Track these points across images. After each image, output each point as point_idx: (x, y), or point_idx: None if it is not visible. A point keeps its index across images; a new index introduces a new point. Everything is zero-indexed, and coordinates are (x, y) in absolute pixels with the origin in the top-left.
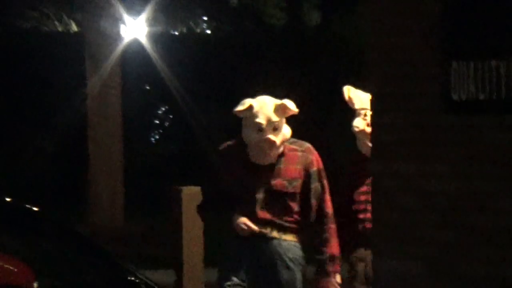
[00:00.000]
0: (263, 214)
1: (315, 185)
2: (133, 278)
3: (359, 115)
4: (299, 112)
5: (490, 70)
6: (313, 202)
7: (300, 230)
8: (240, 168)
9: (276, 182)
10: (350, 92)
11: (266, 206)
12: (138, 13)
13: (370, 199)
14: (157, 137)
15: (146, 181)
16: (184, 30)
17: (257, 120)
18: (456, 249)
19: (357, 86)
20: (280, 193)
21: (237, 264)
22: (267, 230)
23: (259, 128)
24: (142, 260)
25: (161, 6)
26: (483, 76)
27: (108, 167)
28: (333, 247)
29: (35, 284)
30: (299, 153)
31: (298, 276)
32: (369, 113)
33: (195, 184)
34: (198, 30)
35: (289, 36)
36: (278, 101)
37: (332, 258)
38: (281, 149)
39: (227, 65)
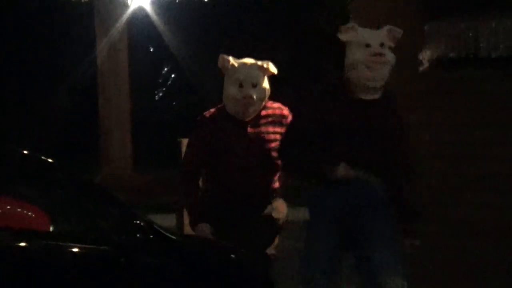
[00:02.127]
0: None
1: None
2: (140, 222)
3: (231, 81)
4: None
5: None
6: None
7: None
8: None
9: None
10: (224, 59)
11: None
12: None
13: None
14: (161, 93)
15: (153, 134)
16: None
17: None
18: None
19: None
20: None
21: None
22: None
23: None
24: (148, 205)
25: None
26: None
27: (117, 121)
28: None
29: (50, 228)
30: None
31: None
32: (245, 84)
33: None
34: None
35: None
36: (259, 61)
37: None
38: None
39: (222, 28)
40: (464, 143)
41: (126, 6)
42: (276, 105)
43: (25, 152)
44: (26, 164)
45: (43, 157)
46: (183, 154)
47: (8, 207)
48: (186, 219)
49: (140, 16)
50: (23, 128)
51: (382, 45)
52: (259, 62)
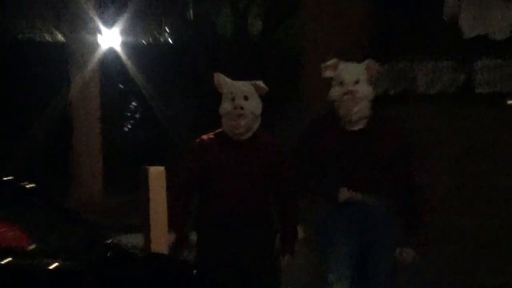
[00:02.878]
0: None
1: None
2: (107, 241)
3: (225, 97)
4: None
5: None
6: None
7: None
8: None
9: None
10: (219, 78)
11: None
12: (112, 25)
13: None
14: (129, 126)
15: (121, 162)
16: (150, 39)
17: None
18: None
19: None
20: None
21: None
22: None
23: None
24: (116, 227)
25: (131, 19)
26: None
27: (88, 151)
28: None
29: (30, 247)
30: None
31: None
32: (237, 97)
33: (161, 165)
34: (162, 40)
35: (237, 44)
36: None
37: None
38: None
39: (186, 68)
40: None
41: (98, 46)
42: (269, 135)
43: (6, 178)
44: (7, 188)
45: (22, 183)
46: (150, 180)
47: None
48: (153, 238)
49: (110, 56)
50: (6, 157)
51: (357, 81)
52: (252, 81)
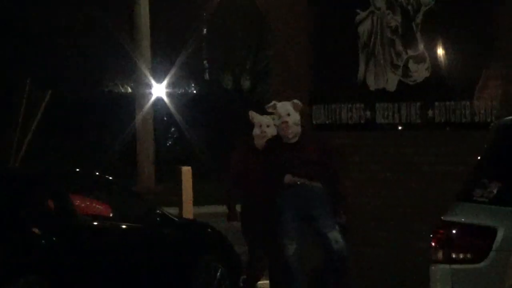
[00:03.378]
0: None
1: None
2: (158, 211)
3: (256, 126)
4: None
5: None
6: None
7: None
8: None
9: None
10: (252, 114)
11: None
12: (160, 81)
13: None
14: (169, 143)
15: (165, 164)
16: (182, 90)
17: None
18: None
19: None
20: None
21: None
22: None
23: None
24: (163, 203)
25: (171, 78)
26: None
27: (146, 157)
28: None
29: (111, 214)
30: None
31: None
32: (263, 125)
33: (187, 165)
34: (189, 91)
35: (234, 94)
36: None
37: None
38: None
39: (204, 108)
40: None
41: (151, 94)
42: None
43: (97, 173)
44: (97, 179)
45: (107, 176)
46: (181, 175)
47: (88, 202)
48: (184, 210)
49: (160, 101)
50: (95, 161)
51: (288, 114)
52: (292, 101)
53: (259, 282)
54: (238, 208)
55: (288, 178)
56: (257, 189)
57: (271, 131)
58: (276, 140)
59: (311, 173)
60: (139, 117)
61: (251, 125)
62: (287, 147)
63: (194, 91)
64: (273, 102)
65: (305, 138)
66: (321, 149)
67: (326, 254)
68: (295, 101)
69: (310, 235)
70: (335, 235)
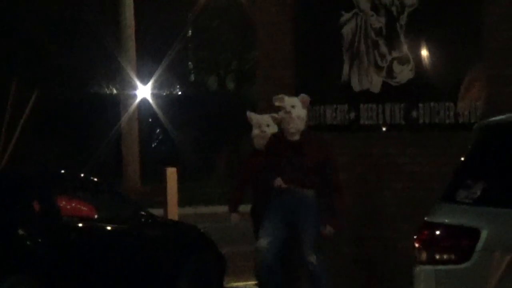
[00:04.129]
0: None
1: None
2: (143, 212)
3: (255, 126)
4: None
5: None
6: None
7: None
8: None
9: None
10: (250, 115)
11: None
12: (145, 82)
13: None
14: (155, 143)
15: (149, 164)
16: (168, 92)
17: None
18: None
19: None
20: None
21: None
22: None
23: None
24: (149, 204)
25: (156, 79)
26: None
27: (132, 158)
28: None
29: (96, 216)
30: None
31: None
32: (263, 124)
33: (173, 166)
34: (174, 92)
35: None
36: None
37: None
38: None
39: (189, 109)
40: None
41: (136, 96)
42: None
43: (82, 174)
44: (82, 181)
45: (92, 177)
46: (166, 176)
47: (73, 204)
48: (169, 211)
49: (144, 102)
50: (78, 163)
51: (293, 106)
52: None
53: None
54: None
55: (277, 182)
56: (263, 189)
57: (271, 131)
58: (277, 138)
59: (303, 180)
60: (124, 118)
61: (249, 126)
62: (286, 147)
63: (179, 93)
64: (281, 95)
65: (306, 139)
66: (321, 155)
67: (304, 267)
68: (303, 95)
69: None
70: (310, 258)
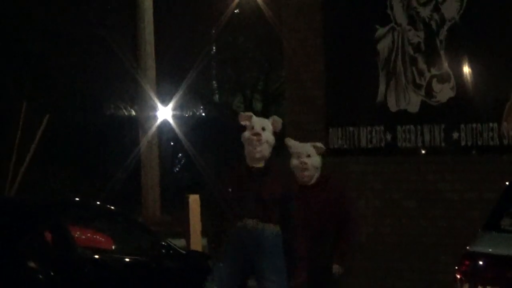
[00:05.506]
0: None
1: None
2: (164, 243)
3: (293, 155)
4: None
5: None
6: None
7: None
8: None
9: None
10: (288, 141)
11: None
12: (166, 104)
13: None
14: (176, 169)
15: (172, 192)
16: (190, 113)
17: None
18: None
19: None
20: None
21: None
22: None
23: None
24: (169, 234)
25: (177, 101)
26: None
27: (151, 185)
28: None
29: (113, 247)
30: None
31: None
32: (301, 155)
33: (196, 193)
34: (198, 113)
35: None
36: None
37: None
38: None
39: (213, 133)
40: None
41: (156, 117)
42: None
43: (98, 203)
44: (99, 210)
45: (109, 206)
46: (189, 203)
47: (88, 234)
48: (192, 241)
49: (166, 124)
50: (97, 190)
51: (263, 129)
52: (312, 143)
53: None
54: None
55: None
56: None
57: (313, 162)
58: (239, 164)
59: (264, 213)
60: (143, 142)
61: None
62: (248, 172)
63: (203, 114)
64: (250, 112)
65: (270, 167)
66: (284, 186)
67: None
68: (275, 117)
69: None
70: None
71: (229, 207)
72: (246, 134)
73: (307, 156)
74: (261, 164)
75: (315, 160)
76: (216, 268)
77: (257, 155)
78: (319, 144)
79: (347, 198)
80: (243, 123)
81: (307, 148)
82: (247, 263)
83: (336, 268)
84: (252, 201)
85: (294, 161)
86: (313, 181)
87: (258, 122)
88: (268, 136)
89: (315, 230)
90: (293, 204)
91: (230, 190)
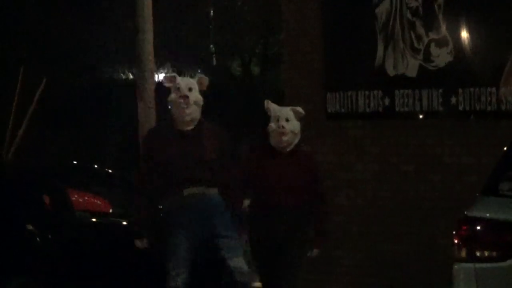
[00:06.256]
0: None
1: None
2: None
3: (272, 119)
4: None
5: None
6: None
7: None
8: None
9: None
10: (268, 104)
11: None
12: (164, 66)
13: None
14: None
15: None
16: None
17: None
18: None
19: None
20: None
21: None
22: None
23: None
24: None
25: (176, 64)
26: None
27: None
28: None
29: (111, 210)
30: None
31: None
32: (280, 118)
33: None
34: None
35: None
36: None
37: None
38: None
39: (210, 95)
40: None
41: (154, 82)
42: (306, 150)
43: (96, 166)
44: (97, 173)
45: (106, 169)
46: None
47: (86, 198)
48: None
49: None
50: (94, 155)
51: (190, 89)
52: (291, 107)
53: None
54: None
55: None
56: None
57: (291, 127)
58: (164, 127)
59: (212, 177)
60: (141, 105)
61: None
62: (179, 137)
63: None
64: (173, 73)
65: (203, 126)
66: (220, 145)
67: (227, 285)
68: (201, 75)
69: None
70: (239, 263)
71: (162, 178)
72: (173, 96)
73: (286, 120)
74: (192, 126)
75: (294, 125)
76: (171, 240)
77: (187, 118)
78: (299, 109)
79: (320, 176)
80: (167, 85)
81: (286, 112)
82: (200, 230)
83: (315, 252)
84: (194, 166)
85: (272, 125)
86: (291, 147)
87: (183, 82)
88: (195, 96)
89: (289, 203)
90: (234, 160)
91: (161, 158)
